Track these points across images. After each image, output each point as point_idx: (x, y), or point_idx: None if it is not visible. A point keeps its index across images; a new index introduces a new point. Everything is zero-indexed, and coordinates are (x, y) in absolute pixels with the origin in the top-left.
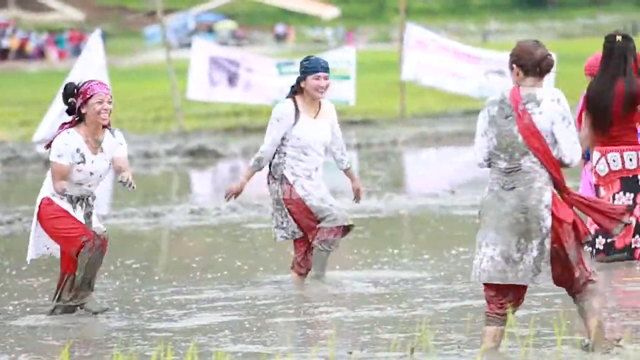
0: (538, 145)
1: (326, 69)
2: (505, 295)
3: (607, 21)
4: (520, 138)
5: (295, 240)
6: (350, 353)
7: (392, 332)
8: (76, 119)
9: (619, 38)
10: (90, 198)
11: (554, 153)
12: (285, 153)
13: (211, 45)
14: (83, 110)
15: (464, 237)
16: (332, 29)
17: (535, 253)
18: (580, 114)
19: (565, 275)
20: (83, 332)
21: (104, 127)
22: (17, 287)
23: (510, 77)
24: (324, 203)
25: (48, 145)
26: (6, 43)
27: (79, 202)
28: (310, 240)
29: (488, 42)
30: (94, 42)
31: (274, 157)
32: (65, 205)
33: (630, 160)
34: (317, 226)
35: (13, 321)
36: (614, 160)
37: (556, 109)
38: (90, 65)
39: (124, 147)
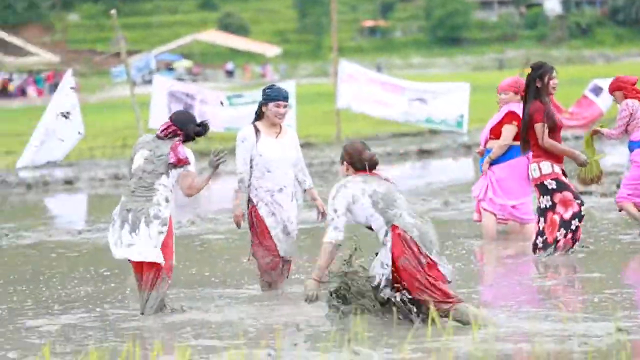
0: None
1: (286, 98)
2: None
3: (514, 55)
4: None
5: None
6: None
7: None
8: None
9: (528, 70)
10: None
11: None
12: (251, 175)
13: (169, 80)
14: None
15: None
16: (274, 65)
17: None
18: (499, 125)
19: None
20: (63, 331)
21: None
22: (5, 293)
23: (429, 105)
24: (280, 230)
25: (181, 161)
26: None
27: None
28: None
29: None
30: (66, 80)
31: None
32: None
33: (534, 170)
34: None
35: (1, 324)
36: (534, 170)
37: None
38: (64, 100)
39: None
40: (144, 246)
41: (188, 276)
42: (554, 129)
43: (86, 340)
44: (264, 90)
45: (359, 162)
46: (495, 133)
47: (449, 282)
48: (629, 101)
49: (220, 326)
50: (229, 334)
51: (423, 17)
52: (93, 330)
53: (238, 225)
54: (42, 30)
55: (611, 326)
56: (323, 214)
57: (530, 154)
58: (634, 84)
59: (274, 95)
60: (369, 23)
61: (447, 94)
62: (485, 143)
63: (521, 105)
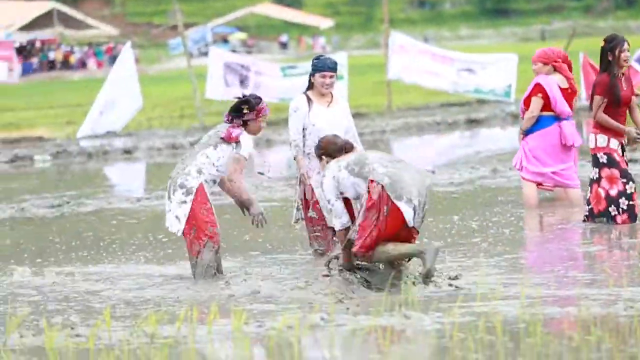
0: None
1: (332, 68)
2: None
3: (560, 26)
4: None
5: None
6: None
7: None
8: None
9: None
10: None
11: None
12: (304, 144)
13: (225, 52)
14: (250, 123)
15: (441, 209)
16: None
17: None
18: (528, 97)
19: None
20: (122, 295)
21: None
22: (67, 260)
23: (477, 75)
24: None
25: (231, 138)
26: (53, 56)
27: None
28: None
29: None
30: (126, 52)
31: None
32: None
33: (591, 141)
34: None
35: (63, 288)
36: (591, 140)
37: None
38: (124, 72)
39: None
40: (170, 214)
41: (243, 242)
42: (617, 103)
43: (145, 304)
44: (312, 61)
45: (336, 150)
46: (527, 105)
47: (409, 226)
48: None
49: (274, 291)
50: (283, 299)
51: None
52: (151, 295)
53: (307, 181)
54: (102, 3)
55: None
56: None
57: (590, 123)
58: None
59: (320, 66)
60: None
61: (495, 65)
62: (523, 114)
63: (550, 76)
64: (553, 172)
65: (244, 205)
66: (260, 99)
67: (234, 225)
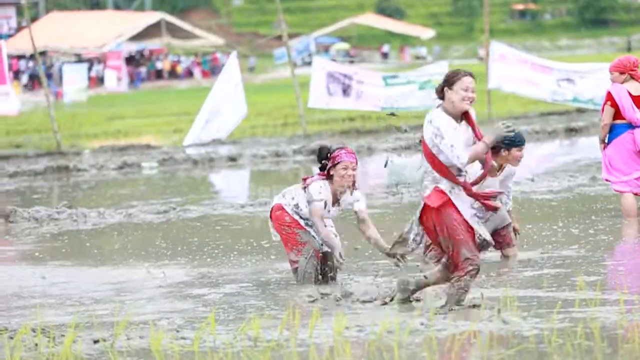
0: (426, 152)
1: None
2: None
3: None
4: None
5: None
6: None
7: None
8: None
9: None
10: None
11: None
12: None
13: (328, 62)
14: (331, 172)
15: (540, 216)
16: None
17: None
18: (603, 106)
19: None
20: (226, 299)
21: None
22: (174, 264)
23: (576, 84)
24: None
25: (305, 182)
26: (160, 65)
27: None
28: None
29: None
30: (231, 62)
31: None
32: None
33: None
34: None
35: (170, 292)
36: None
37: (427, 128)
38: (229, 81)
39: (361, 202)
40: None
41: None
42: None
43: (248, 308)
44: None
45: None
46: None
47: None
48: None
49: (373, 296)
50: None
51: (571, 0)
52: (254, 299)
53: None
54: (209, 14)
55: None
56: None
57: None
58: None
59: (518, 141)
60: (520, 6)
61: (593, 74)
62: None
63: (620, 85)
64: (637, 179)
65: (332, 249)
66: (338, 147)
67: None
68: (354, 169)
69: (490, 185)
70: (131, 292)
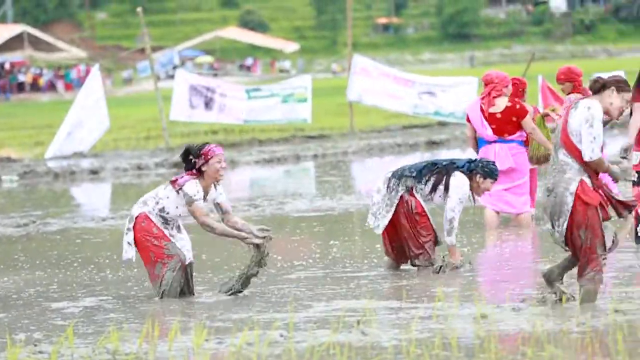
0: (568, 143)
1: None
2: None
3: (520, 51)
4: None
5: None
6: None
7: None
8: (197, 172)
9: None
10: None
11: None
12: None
13: (191, 75)
14: (204, 169)
15: None
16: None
17: (561, 228)
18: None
19: (576, 255)
20: (85, 313)
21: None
22: (32, 277)
23: (438, 98)
24: None
25: (174, 183)
26: (22, 78)
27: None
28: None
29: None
30: (93, 75)
31: None
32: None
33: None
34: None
35: (27, 306)
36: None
37: (581, 113)
38: (91, 94)
39: (224, 195)
40: (124, 241)
41: (201, 262)
42: None
43: (108, 321)
44: (482, 163)
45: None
46: None
47: None
48: (572, 96)
49: (233, 309)
50: (242, 316)
51: (434, 14)
52: (114, 312)
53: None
54: (72, 27)
55: (608, 307)
56: None
57: None
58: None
59: (494, 174)
60: (383, 20)
61: (455, 88)
62: None
63: (474, 102)
64: (492, 194)
65: (241, 239)
66: (205, 144)
67: (197, 245)
68: (225, 161)
69: None
70: None
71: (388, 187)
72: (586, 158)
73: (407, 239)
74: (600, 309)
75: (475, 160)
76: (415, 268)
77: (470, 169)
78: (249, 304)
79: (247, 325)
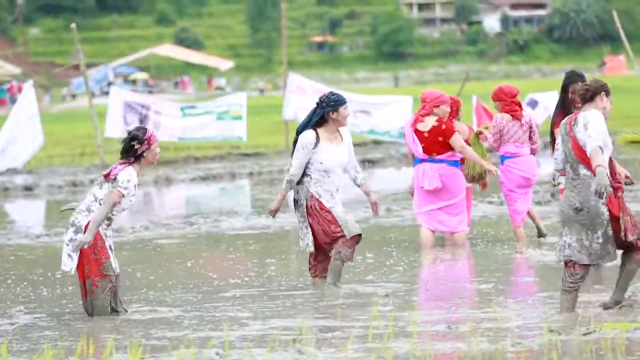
0: (582, 154)
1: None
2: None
3: (455, 70)
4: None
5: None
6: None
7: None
8: (133, 159)
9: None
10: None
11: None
12: (310, 175)
13: (125, 92)
14: (145, 154)
15: None
16: (227, 78)
17: (600, 240)
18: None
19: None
20: (19, 330)
21: None
22: None
23: (373, 116)
24: (345, 215)
25: (107, 175)
26: None
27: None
28: (328, 253)
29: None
30: (27, 91)
31: (299, 181)
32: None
33: None
34: (339, 239)
35: None
36: None
37: (581, 123)
38: (25, 110)
39: None
40: (64, 253)
41: (136, 279)
42: None
43: (42, 339)
44: (328, 97)
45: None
46: None
47: None
48: (498, 116)
49: (168, 327)
50: (178, 334)
51: (369, 33)
52: (48, 330)
53: (272, 215)
54: (5, 43)
55: (543, 326)
56: (375, 211)
57: None
58: (513, 97)
59: (341, 100)
60: (318, 38)
61: (390, 106)
62: None
63: (409, 121)
64: (426, 213)
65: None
66: (144, 128)
67: (132, 262)
68: None
69: None
70: None
71: (295, 204)
72: (588, 149)
73: (324, 237)
74: (535, 328)
75: (317, 104)
76: (348, 285)
77: (320, 114)
78: (185, 322)
79: (183, 344)
